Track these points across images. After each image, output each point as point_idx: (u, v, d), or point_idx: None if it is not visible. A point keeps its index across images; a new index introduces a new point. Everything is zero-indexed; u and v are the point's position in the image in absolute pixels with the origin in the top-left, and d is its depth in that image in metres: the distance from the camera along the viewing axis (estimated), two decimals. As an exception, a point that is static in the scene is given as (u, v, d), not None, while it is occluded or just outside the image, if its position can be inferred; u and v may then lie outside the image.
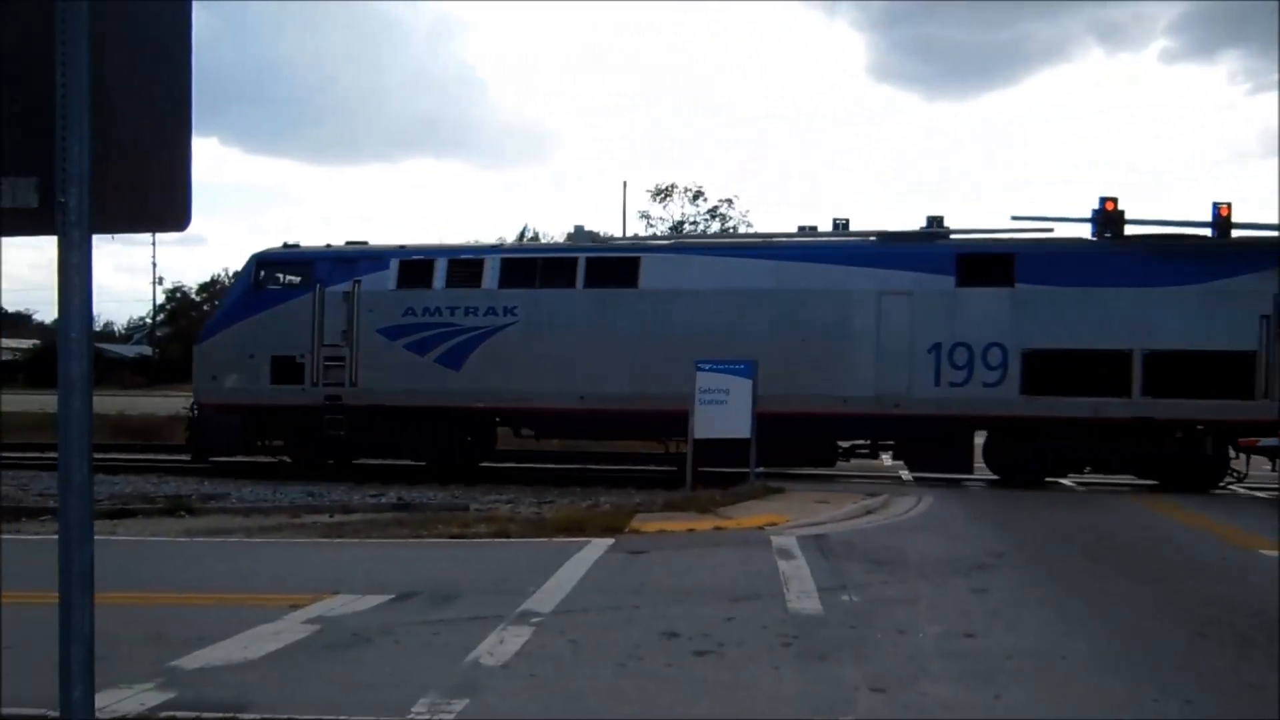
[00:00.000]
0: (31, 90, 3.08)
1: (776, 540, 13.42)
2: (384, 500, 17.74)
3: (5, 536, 13.99)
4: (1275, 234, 18.57)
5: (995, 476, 19.75)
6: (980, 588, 10.67)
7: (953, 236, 19.66)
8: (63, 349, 3.01)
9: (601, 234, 26.39)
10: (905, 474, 20.93)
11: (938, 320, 18.54)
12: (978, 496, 18.35)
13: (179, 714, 6.56)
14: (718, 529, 14.49)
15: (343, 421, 20.39)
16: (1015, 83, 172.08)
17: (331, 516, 16.14)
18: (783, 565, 11.81)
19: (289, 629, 8.91)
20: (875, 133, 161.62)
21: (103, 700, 5.99)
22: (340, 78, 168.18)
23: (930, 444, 19.29)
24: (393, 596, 10.18)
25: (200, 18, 3.28)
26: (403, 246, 21.37)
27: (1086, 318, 18.26)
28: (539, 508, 17.11)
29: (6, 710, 6.42)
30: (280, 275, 21.56)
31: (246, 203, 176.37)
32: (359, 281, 20.43)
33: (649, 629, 8.96)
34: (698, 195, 48.66)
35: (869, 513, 15.69)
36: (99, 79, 3.04)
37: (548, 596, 10.17)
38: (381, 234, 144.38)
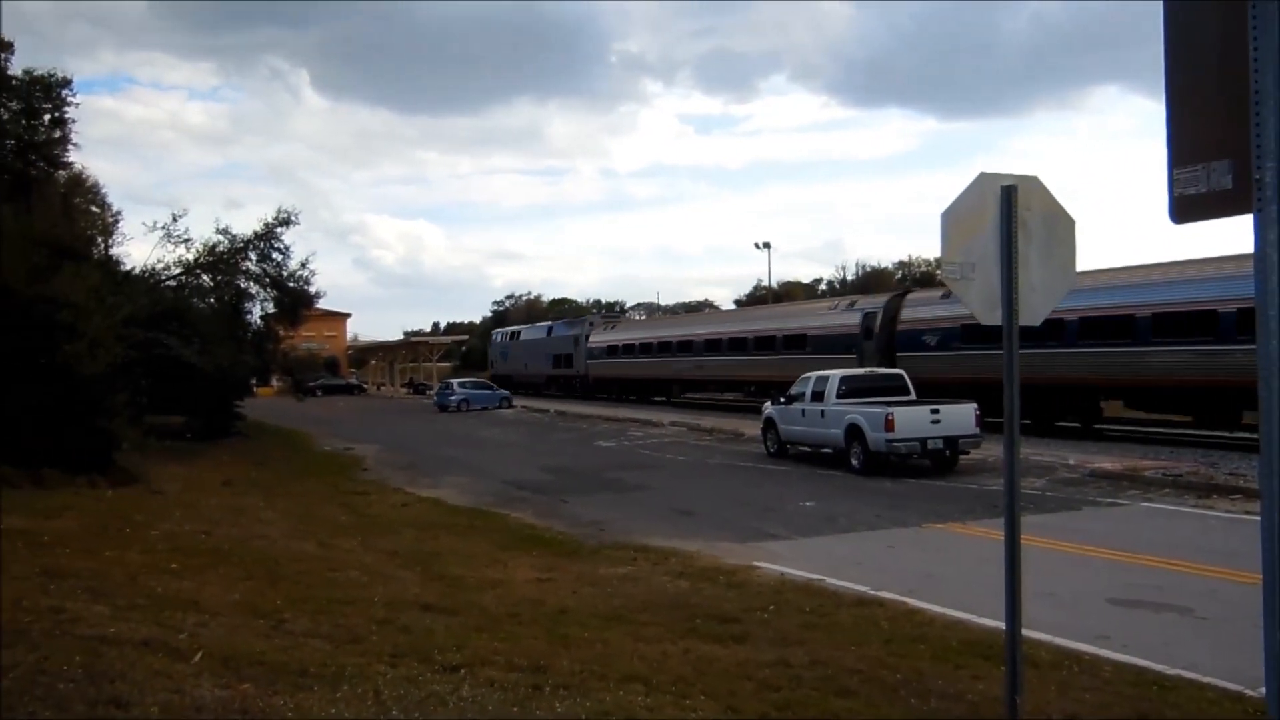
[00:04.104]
0: (1227, 75, 3.14)
1: None
2: None
3: (1196, 510, 14.48)
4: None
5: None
6: None
7: (560, 320, 68.06)
8: (1261, 327, 2.97)
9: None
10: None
11: (547, 344, 61.95)
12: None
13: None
14: None
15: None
16: None
17: None
18: None
19: None
20: None
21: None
22: None
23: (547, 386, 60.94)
24: None
25: None
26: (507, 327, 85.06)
27: (560, 345, 58.82)
28: None
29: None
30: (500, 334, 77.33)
31: None
32: (513, 336, 71.14)
33: None
34: None
35: None
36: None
37: None
38: None
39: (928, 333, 29.24)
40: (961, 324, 26.83)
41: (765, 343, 38.00)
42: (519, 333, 68.36)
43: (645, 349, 48.25)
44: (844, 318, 33.76)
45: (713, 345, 41.96)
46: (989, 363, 19.05)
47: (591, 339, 54.36)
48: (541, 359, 59.45)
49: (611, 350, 51.66)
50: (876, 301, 33.68)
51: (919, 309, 30.35)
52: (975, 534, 12.89)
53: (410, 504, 16.62)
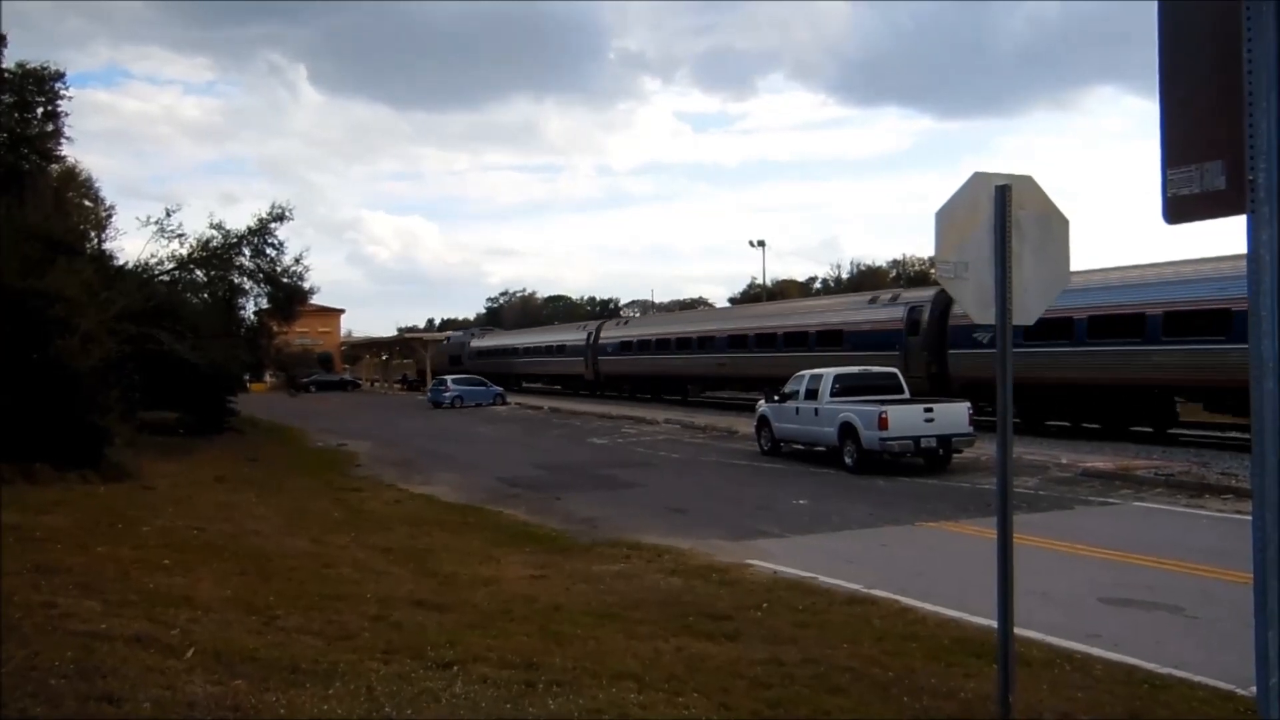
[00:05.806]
0: (1221, 76, 3.14)
1: None
2: None
3: (1188, 510, 14.51)
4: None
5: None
6: None
7: (459, 330, 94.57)
8: (1253, 328, 2.98)
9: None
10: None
11: (450, 347, 78.02)
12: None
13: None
14: None
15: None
16: None
17: None
18: None
19: None
20: None
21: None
22: None
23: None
24: None
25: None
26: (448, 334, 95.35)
27: (455, 349, 75.93)
28: None
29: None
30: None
31: None
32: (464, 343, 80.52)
33: None
34: None
35: None
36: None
37: None
38: None
39: (608, 346, 51.98)
40: (619, 341, 51.32)
41: (553, 349, 60.55)
42: (443, 340, 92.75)
43: (500, 352, 70.21)
44: (579, 335, 57.13)
45: (530, 351, 64.34)
46: (638, 364, 48.54)
47: (473, 344, 75.92)
48: (446, 359, 76.05)
49: (482, 353, 73.00)
50: (591, 326, 57.07)
51: (606, 331, 53.80)
52: (968, 532, 12.91)
53: (403, 500, 16.60)
